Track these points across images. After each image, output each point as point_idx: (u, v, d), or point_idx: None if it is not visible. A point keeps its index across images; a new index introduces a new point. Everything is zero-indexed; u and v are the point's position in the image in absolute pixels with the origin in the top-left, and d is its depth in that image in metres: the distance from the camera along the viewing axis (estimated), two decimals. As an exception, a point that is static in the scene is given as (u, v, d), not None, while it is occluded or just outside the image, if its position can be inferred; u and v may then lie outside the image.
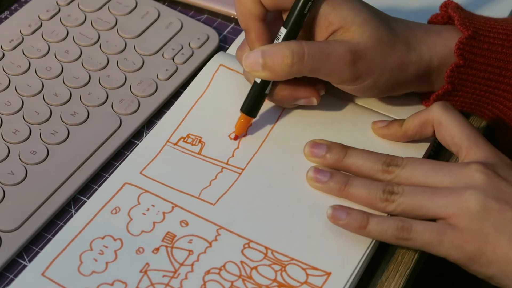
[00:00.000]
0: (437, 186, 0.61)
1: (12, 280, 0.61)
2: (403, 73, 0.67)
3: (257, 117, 0.69)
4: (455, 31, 0.68)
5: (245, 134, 0.69)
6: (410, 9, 0.80)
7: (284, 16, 0.66)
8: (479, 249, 0.58)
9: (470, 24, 0.67)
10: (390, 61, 0.66)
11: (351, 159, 0.64)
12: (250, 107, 0.67)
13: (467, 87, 0.68)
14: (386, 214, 0.62)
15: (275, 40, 0.66)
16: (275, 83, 0.67)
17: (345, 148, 0.65)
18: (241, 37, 0.77)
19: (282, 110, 0.71)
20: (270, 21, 0.67)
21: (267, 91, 0.67)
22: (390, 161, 0.63)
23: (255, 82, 0.67)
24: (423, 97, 0.71)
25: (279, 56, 0.63)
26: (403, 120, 0.67)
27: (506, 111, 0.69)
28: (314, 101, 0.68)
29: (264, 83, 0.66)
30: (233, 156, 0.67)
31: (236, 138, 0.68)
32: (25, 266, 0.62)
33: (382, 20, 0.66)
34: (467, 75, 0.68)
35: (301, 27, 0.65)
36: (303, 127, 0.69)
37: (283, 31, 0.65)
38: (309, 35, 0.67)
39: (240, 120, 0.68)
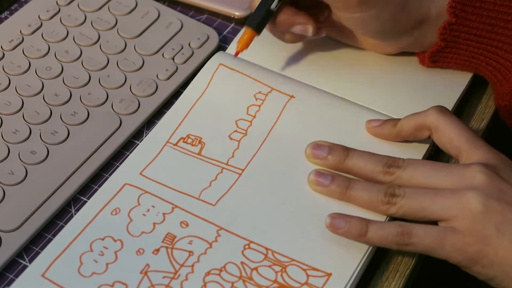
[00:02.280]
0: (438, 187, 0.61)
1: (12, 280, 0.61)
2: (405, 13, 0.69)
3: (257, 118, 0.69)
4: None
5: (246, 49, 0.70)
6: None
7: None
8: (481, 251, 0.58)
9: None
10: None
11: (353, 161, 0.64)
12: (257, 22, 0.69)
13: (460, 44, 0.70)
14: (386, 218, 0.62)
15: None
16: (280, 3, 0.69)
17: (347, 150, 0.65)
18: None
19: (282, 110, 0.71)
20: None
21: (273, 7, 0.68)
22: (391, 162, 0.63)
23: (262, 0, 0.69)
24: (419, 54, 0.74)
25: None
26: (398, 120, 0.67)
27: (502, 63, 0.70)
28: (310, 30, 0.69)
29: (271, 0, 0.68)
30: (233, 156, 0.67)
31: (237, 54, 0.70)
32: (25, 266, 0.62)
33: None
34: (459, 32, 0.69)
35: None
36: (303, 128, 0.69)
37: None
38: None
39: (244, 35, 0.69)
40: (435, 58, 0.72)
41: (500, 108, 0.72)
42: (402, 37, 0.71)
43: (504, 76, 0.70)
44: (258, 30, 0.69)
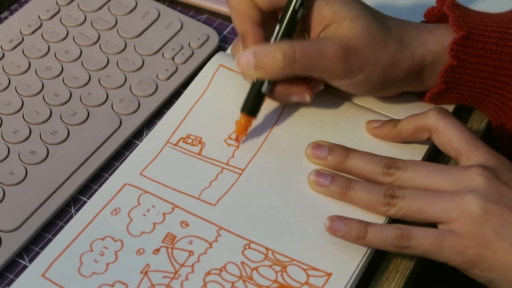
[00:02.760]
0: (438, 189, 0.61)
1: (12, 280, 0.61)
2: (395, 69, 0.67)
3: (257, 118, 0.69)
4: (448, 28, 0.68)
5: (245, 135, 0.69)
6: (406, 6, 0.80)
7: (279, 15, 0.66)
8: (480, 254, 0.58)
9: (464, 24, 0.67)
10: (383, 57, 0.66)
11: (353, 161, 0.64)
12: (250, 106, 0.67)
13: (462, 86, 0.69)
14: (385, 219, 0.63)
15: (272, 38, 0.66)
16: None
17: (347, 150, 0.65)
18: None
19: (282, 110, 0.71)
20: (265, 23, 0.67)
21: (264, 90, 0.66)
22: (391, 163, 0.63)
23: (252, 81, 0.67)
24: (420, 95, 0.72)
25: (270, 58, 0.64)
26: (398, 120, 0.67)
27: (504, 103, 0.69)
28: (307, 98, 0.67)
29: (261, 82, 0.66)
30: (233, 156, 0.67)
31: (237, 139, 0.68)
32: (25, 266, 0.62)
33: (375, 16, 0.66)
34: (462, 74, 0.68)
35: (296, 24, 0.65)
36: (303, 128, 0.69)
37: (277, 29, 0.66)
38: (303, 31, 0.67)
39: (240, 121, 0.67)
40: (436, 98, 0.71)
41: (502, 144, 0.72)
42: (397, 87, 0.70)
43: (506, 114, 0.70)
44: (252, 114, 0.67)
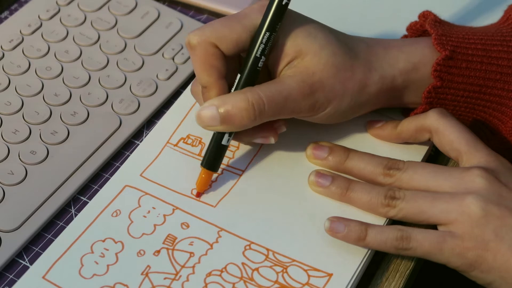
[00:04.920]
0: (438, 190, 0.61)
1: (12, 280, 0.61)
2: (365, 94, 0.65)
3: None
4: (420, 43, 0.67)
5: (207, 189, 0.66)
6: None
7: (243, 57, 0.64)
8: (480, 256, 0.58)
9: (448, 42, 0.65)
10: (350, 85, 0.64)
11: (353, 162, 0.64)
12: (211, 161, 0.64)
13: (447, 105, 0.67)
14: (385, 220, 0.63)
15: (233, 88, 0.63)
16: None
17: (347, 151, 0.65)
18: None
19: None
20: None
21: (225, 142, 0.63)
22: (392, 164, 0.63)
23: (213, 134, 0.64)
24: (405, 112, 0.70)
25: (238, 111, 0.61)
26: (398, 121, 0.67)
27: (489, 120, 0.68)
28: (272, 140, 0.65)
29: (222, 135, 0.63)
30: (233, 158, 0.67)
31: (198, 195, 0.65)
32: (25, 266, 0.62)
33: (340, 42, 0.64)
34: (446, 94, 0.66)
35: (258, 72, 0.63)
36: (304, 128, 0.69)
37: (239, 77, 0.63)
38: (266, 68, 0.65)
39: (201, 175, 0.64)
40: None
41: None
42: (369, 108, 0.67)
43: (492, 131, 0.69)
44: (213, 169, 0.64)
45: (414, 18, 0.71)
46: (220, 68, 0.62)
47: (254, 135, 0.65)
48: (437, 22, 0.68)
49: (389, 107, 0.69)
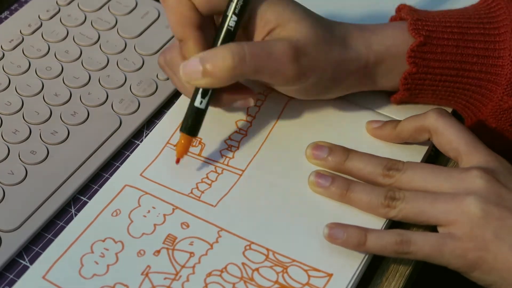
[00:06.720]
0: (438, 191, 0.61)
1: (12, 280, 0.61)
2: (344, 70, 0.66)
3: (257, 118, 0.69)
4: (395, 27, 0.67)
5: (186, 154, 0.66)
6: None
7: (217, 21, 0.64)
8: (480, 257, 0.58)
9: (423, 28, 0.66)
10: (331, 57, 0.65)
11: (352, 162, 0.64)
12: (189, 126, 0.64)
13: (425, 90, 0.68)
14: (385, 220, 0.63)
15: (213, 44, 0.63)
16: (213, 91, 0.63)
17: (347, 151, 0.65)
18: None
19: (282, 111, 0.71)
20: (203, 28, 0.64)
21: (198, 104, 0.63)
22: (391, 165, 0.63)
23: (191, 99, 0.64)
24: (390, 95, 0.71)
25: (219, 60, 0.60)
26: (398, 121, 0.67)
27: (471, 102, 0.69)
28: (251, 102, 0.65)
29: (195, 96, 0.63)
30: (233, 157, 0.67)
31: (177, 161, 0.66)
32: (25, 266, 0.62)
33: (317, 18, 0.65)
34: (423, 80, 0.67)
35: (237, 29, 0.63)
36: (303, 128, 0.69)
37: (217, 34, 0.62)
38: (247, 37, 0.65)
39: (180, 141, 0.65)
40: (401, 102, 0.70)
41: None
42: (347, 88, 0.68)
43: (475, 113, 0.69)
44: (193, 133, 0.64)
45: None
46: (195, 19, 0.62)
47: (233, 98, 0.65)
48: (412, 10, 0.68)
49: (370, 89, 0.69)
